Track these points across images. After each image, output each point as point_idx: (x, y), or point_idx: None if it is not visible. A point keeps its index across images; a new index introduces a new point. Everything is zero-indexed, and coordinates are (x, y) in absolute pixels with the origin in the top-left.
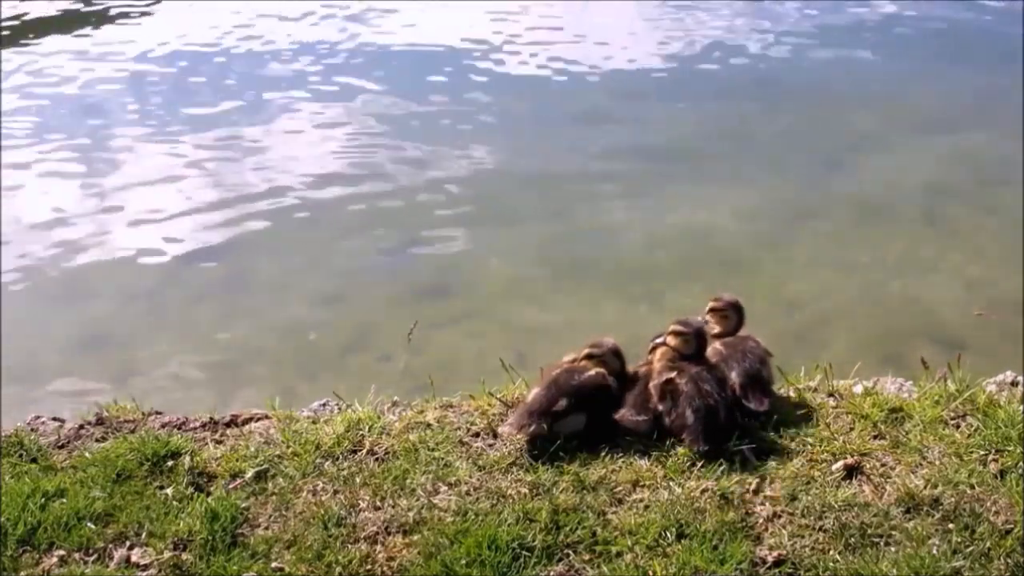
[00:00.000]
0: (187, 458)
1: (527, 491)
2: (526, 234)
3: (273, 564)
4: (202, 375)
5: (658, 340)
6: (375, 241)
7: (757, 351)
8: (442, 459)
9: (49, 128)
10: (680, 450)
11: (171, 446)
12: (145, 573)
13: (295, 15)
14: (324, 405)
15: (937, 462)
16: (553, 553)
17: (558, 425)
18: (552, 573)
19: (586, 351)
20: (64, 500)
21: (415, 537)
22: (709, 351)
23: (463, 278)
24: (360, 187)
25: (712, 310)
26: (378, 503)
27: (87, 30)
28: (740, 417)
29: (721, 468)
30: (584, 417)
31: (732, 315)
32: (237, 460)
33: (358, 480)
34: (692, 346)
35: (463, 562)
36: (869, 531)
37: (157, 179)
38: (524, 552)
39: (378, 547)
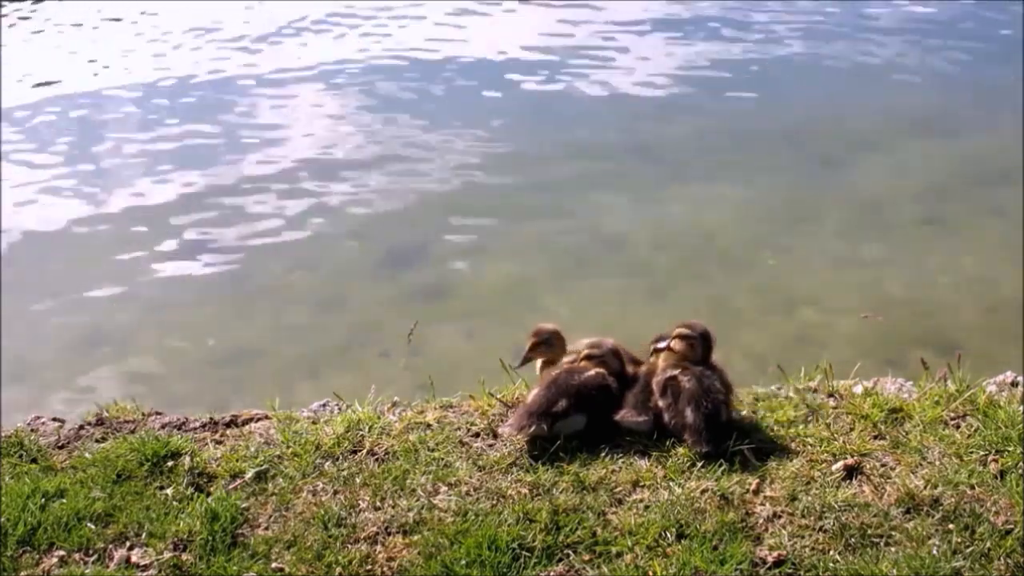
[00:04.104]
0: (187, 458)
1: (527, 491)
2: (526, 234)
3: (273, 564)
4: (202, 375)
5: (660, 345)
6: (376, 241)
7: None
8: (442, 459)
9: (48, 128)
10: (680, 450)
11: (171, 446)
12: (145, 573)
13: (304, 24)
14: (324, 405)
15: (937, 462)
16: (553, 553)
17: (558, 426)
18: (552, 573)
19: (585, 352)
20: (64, 500)
21: (415, 537)
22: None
23: (463, 278)
24: (361, 188)
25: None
26: (378, 503)
27: (85, 16)
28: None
29: (721, 468)
30: (584, 417)
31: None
32: (237, 460)
33: (358, 480)
34: (698, 351)
35: (463, 562)
36: (869, 531)
37: (158, 179)
38: (524, 552)
39: (378, 547)
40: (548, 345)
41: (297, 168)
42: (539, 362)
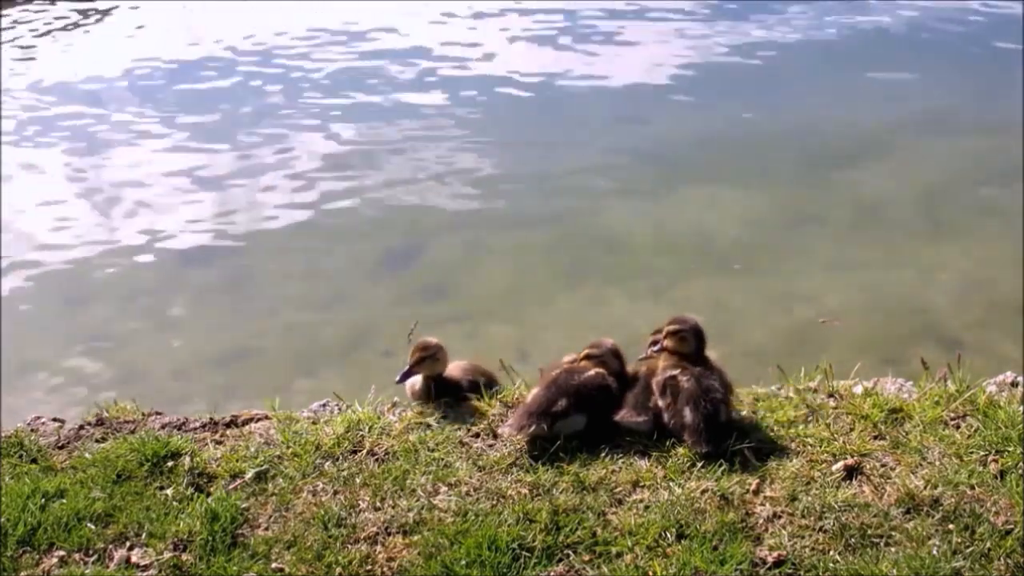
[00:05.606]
0: (187, 458)
1: (527, 491)
2: (527, 234)
3: (273, 565)
4: (202, 375)
5: (655, 348)
6: (376, 241)
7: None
8: (442, 459)
9: (50, 127)
10: (680, 450)
11: (171, 446)
12: (145, 574)
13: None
14: (324, 405)
15: (937, 463)
16: (553, 553)
17: (558, 425)
18: (552, 573)
19: (585, 352)
20: (64, 501)
21: (415, 537)
22: None
23: (464, 278)
24: (361, 188)
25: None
26: (378, 504)
27: (90, 22)
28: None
29: (721, 468)
30: (584, 417)
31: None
32: (237, 460)
33: (358, 481)
34: (691, 344)
35: (463, 563)
36: (869, 531)
37: (158, 179)
38: (524, 552)
39: (378, 548)
40: (433, 360)
41: (297, 167)
42: (418, 378)
